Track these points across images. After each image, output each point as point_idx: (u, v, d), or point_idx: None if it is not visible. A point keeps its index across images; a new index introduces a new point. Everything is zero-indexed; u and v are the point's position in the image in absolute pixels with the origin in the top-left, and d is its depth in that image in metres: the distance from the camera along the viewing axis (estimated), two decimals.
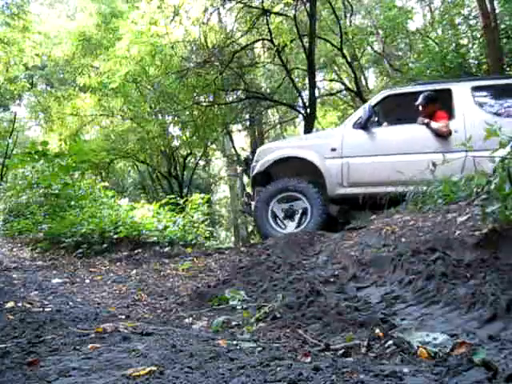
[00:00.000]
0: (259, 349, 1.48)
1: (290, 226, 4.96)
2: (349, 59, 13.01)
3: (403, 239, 2.86)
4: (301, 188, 4.98)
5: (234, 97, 14.02)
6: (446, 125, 4.89)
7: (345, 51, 12.36)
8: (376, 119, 5.31)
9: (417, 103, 5.06)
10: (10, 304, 2.22)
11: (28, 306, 2.28)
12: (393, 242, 2.89)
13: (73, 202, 6.60)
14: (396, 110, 5.38)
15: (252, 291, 2.55)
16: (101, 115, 14.90)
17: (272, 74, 14.28)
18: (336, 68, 16.66)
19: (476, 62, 10.07)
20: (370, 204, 4.88)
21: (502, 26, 9.32)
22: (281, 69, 12.60)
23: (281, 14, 11.22)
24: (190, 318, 2.20)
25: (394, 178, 4.75)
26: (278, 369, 1.16)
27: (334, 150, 5.04)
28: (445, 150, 4.73)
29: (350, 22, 13.85)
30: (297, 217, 4.99)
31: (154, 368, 1.17)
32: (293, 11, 10.69)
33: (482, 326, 1.54)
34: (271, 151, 5.31)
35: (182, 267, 3.76)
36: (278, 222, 5.05)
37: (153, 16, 10.77)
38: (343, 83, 15.57)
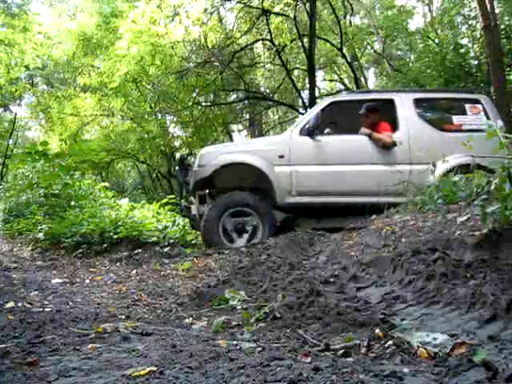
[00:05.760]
0: (259, 349, 1.48)
1: (240, 241, 4.82)
2: (349, 59, 13.02)
3: (403, 239, 2.86)
4: (253, 204, 4.86)
5: (234, 97, 14.04)
6: (388, 135, 4.89)
7: (345, 51, 12.37)
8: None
9: (359, 112, 5.04)
10: (10, 304, 2.22)
11: (28, 305, 2.28)
12: (393, 242, 2.89)
13: (73, 202, 6.61)
14: (338, 118, 5.31)
15: (252, 291, 2.54)
16: (101, 115, 14.90)
17: (272, 74, 14.28)
18: (336, 68, 16.67)
19: (476, 62, 10.08)
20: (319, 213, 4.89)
21: (502, 26, 9.33)
22: (281, 69, 12.59)
23: (281, 14, 11.22)
24: (190, 318, 2.20)
25: (343, 189, 4.79)
26: (278, 369, 1.16)
27: (281, 156, 4.92)
28: (389, 162, 4.80)
29: (350, 22, 13.87)
30: (247, 233, 4.86)
31: (153, 368, 1.17)
32: (293, 11, 10.69)
33: (482, 325, 1.54)
34: (216, 156, 5.06)
35: (182, 267, 3.76)
36: (227, 235, 4.87)
37: (153, 15, 10.77)
38: (343, 83, 15.59)
